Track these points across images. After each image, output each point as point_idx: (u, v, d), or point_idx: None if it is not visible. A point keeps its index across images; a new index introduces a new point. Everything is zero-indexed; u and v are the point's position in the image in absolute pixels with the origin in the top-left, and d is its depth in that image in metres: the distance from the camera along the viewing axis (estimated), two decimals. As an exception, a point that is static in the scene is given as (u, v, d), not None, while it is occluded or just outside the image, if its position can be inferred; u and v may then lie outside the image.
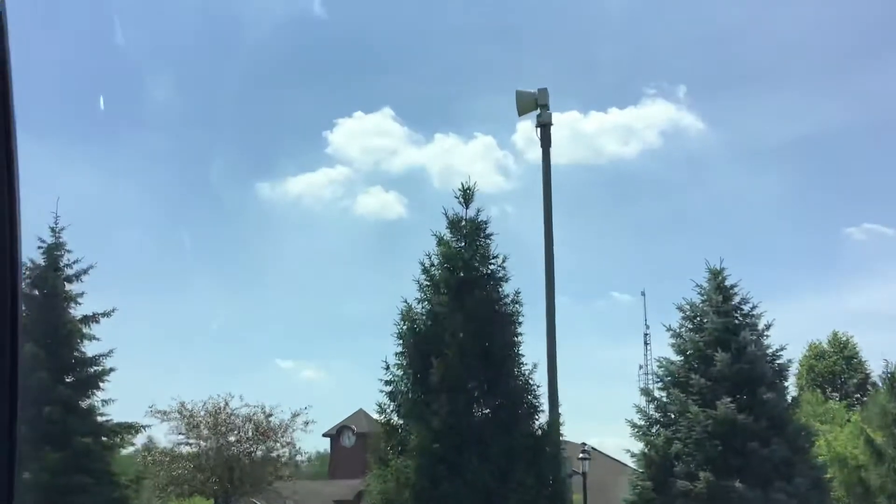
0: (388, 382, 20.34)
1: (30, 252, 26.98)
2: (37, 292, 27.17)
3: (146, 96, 51.67)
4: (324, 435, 46.60)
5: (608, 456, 39.50)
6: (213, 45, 55.37)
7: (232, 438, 32.69)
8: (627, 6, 57.92)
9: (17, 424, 1.67)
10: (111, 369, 27.79)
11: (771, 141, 53.63)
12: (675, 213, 58.91)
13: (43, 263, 27.35)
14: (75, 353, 27.46)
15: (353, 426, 46.15)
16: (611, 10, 57.89)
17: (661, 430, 25.41)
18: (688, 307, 26.64)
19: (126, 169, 53.96)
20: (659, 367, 27.06)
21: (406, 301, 20.63)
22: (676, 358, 26.33)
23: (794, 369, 33.25)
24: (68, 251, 27.95)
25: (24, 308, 27.01)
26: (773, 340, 25.78)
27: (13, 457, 1.67)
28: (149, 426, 30.89)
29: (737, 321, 25.88)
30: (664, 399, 26.07)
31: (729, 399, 23.78)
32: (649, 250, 60.80)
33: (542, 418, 20.50)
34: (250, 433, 32.96)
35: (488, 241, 21.13)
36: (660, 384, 26.77)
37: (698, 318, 26.31)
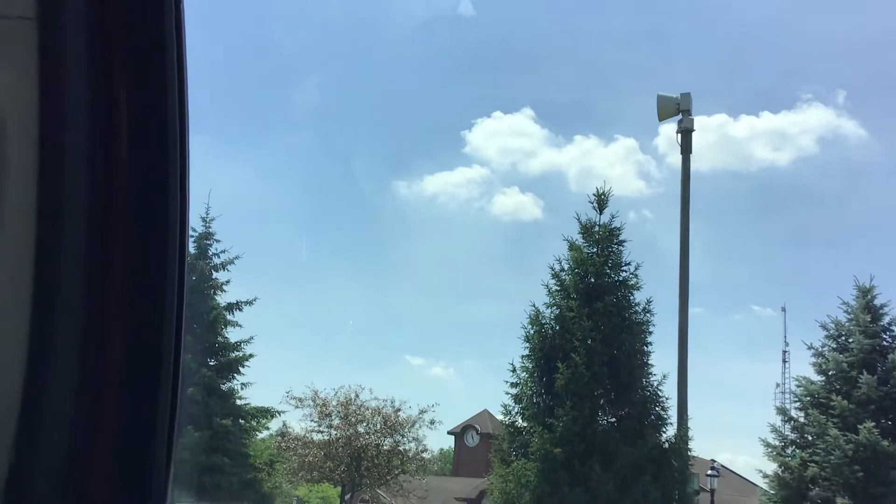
0: (513, 385, 20.43)
1: (182, 240, 28.57)
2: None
3: (293, 96, 53.75)
4: (448, 433, 47.11)
5: (738, 475, 38.13)
6: (356, 44, 56.94)
7: (361, 429, 33.49)
8: (781, 9, 55.54)
9: (179, 406, 1.84)
10: (251, 355, 29.11)
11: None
12: (826, 226, 55.97)
13: (193, 251, 28.90)
14: (219, 338, 28.85)
15: (478, 426, 46.47)
16: (763, 13, 55.67)
17: (797, 451, 24.42)
18: (832, 325, 25.51)
19: (272, 165, 56.31)
20: (798, 386, 26.04)
21: (535, 305, 20.67)
22: (817, 378, 25.26)
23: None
24: (217, 241, 29.42)
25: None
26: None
27: (172, 442, 1.84)
28: (284, 412, 32.15)
29: (885, 342, 24.61)
30: (802, 420, 25.05)
31: (873, 424, 22.59)
32: (795, 263, 57.97)
33: (670, 431, 20.09)
34: (378, 426, 33.68)
35: (621, 247, 20.87)
36: (798, 404, 25.76)
37: (843, 338, 25.13)
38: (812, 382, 25.21)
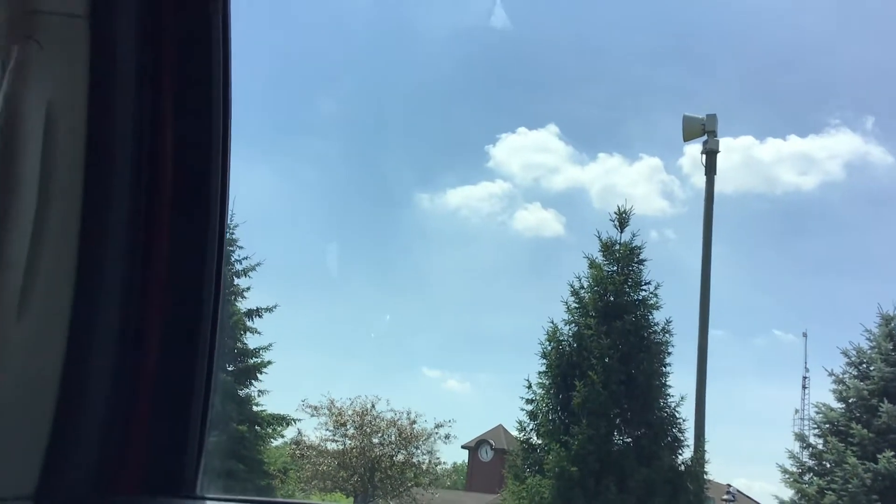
0: (529, 401, 20.38)
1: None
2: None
3: (319, 103, 54.19)
4: (462, 447, 46.91)
5: (755, 500, 37.72)
6: (384, 54, 57.20)
7: (375, 440, 33.50)
8: (812, 33, 55.36)
9: (212, 400, 1.89)
10: (269, 362, 29.17)
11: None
12: (851, 251, 55.47)
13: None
14: (238, 344, 28.97)
15: (492, 441, 46.28)
16: (793, 36, 55.47)
17: (815, 479, 24.16)
18: (854, 353, 25.28)
19: (295, 172, 56.56)
20: (817, 412, 25.80)
21: (553, 321, 20.63)
22: (837, 405, 25.02)
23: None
24: (240, 247, 29.53)
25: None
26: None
27: (203, 439, 1.89)
28: (299, 420, 32.16)
29: (907, 372, 24.33)
30: (820, 447, 24.80)
31: (892, 453, 22.32)
32: (818, 288, 57.41)
33: (686, 453, 19.96)
34: (393, 437, 33.66)
35: (641, 266, 20.81)
36: (816, 431, 25.52)
37: (864, 365, 24.88)
38: (832, 409, 24.97)
